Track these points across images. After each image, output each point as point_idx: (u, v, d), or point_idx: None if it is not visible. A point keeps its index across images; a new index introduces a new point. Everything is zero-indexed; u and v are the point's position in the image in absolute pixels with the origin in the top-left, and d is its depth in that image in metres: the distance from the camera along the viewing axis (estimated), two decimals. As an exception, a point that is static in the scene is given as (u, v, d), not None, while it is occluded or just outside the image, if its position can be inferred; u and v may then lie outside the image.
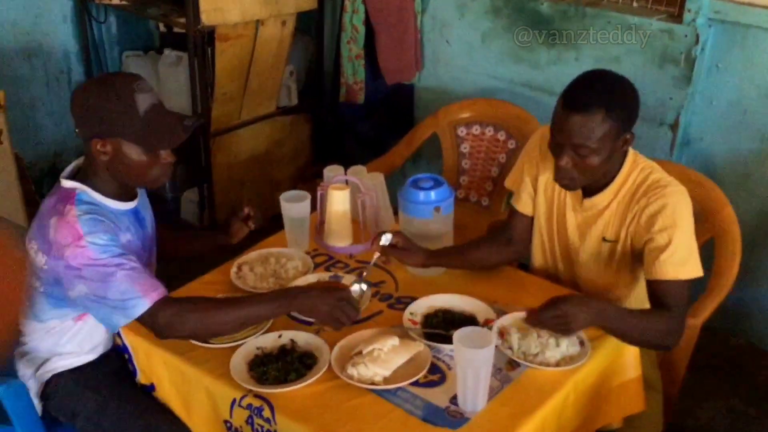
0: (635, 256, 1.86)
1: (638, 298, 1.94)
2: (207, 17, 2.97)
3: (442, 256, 1.96)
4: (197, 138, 3.25)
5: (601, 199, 1.86)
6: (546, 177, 1.96)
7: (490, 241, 2.06)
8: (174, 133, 1.69)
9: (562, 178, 1.79)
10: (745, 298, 2.71)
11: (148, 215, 1.90)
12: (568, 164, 1.75)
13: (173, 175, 3.46)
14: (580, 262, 1.94)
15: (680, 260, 1.73)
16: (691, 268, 1.74)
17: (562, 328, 1.65)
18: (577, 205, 1.91)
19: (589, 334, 1.71)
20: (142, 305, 1.59)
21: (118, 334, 1.83)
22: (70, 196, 1.68)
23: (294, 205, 2.07)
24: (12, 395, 1.72)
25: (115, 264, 1.59)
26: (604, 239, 1.88)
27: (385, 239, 1.87)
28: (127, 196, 1.78)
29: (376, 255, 1.88)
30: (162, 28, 3.76)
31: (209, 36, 3.07)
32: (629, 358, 1.79)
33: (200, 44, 3.06)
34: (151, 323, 1.62)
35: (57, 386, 1.79)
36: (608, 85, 1.75)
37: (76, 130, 1.70)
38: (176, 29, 3.48)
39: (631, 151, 1.85)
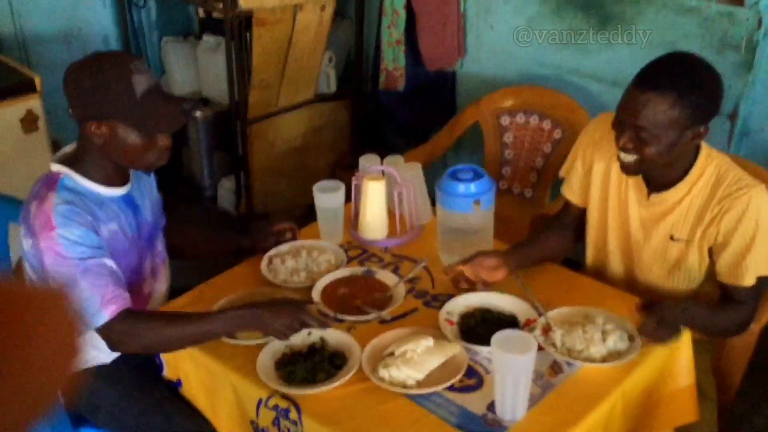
0: (706, 257, 1.76)
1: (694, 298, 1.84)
2: (245, 1, 2.90)
3: (522, 258, 1.82)
4: (234, 125, 3.20)
5: (672, 194, 1.74)
6: (601, 168, 1.85)
7: (555, 231, 1.97)
8: (172, 118, 1.64)
9: (621, 159, 1.69)
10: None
11: (148, 201, 1.83)
12: (628, 144, 1.64)
13: (209, 163, 3.50)
14: (643, 260, 1.83)
15: (761, 262, 1.67)
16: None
17: (669, 338, 1.61)
18: (642, 199, 1.79)
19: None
20: (100, 318, 1.56)
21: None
22: (54, 180, 1.63)
23: (327, 196, 2.00)
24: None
25: (81, 267, 1.55)
26: (672, 238, 1.77)
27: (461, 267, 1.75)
28: (118, 180, 1.72)
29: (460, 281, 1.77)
30: (201, 13, 3.71)
31: (247, 21, 3.01)
32: (683, 364, 1.67)
33: (237, 29, 3.00)
34: (105, 336, 1.59)
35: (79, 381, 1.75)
36: (689, 69, 1.61)
37: (69, 111, 1.63)
38: (215, 14, 3.42)
39: (704, 145, 1.72)
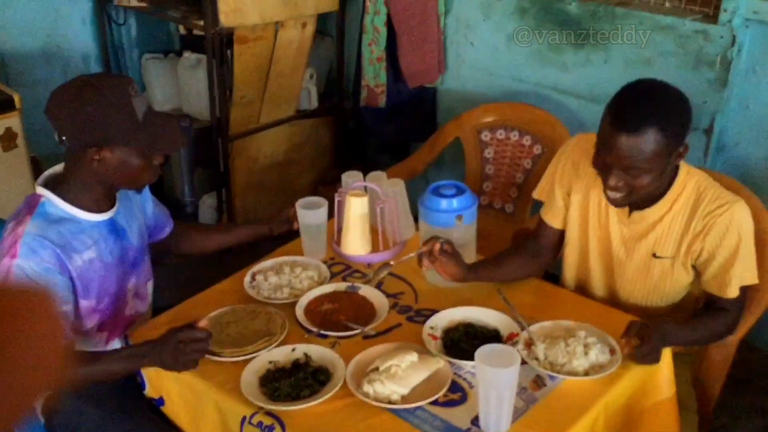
0: (690, 273, 1.80)
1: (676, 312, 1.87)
2: (226, 18, 2.91)
3: (479, 270, 1.85)
4: (215, 142, 3.20)
5: (652, 212, 1.76)
6: (580, 191, 1.86)
7: (520, 253, 1.97)
8: (176, 137, 1.64)
9: (611, 198, 1.70)
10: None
11: (135, 224, 1.82)
12: (619, 183, 1.65)
13: (190, 179, 3.50)
14: (625, 278, 1.85)
15: (744, 274, 1.73)
16: (752, 275, 1.75)
17: (652, 359, 1.62)
18: (624, 217, 1.80)
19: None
20: None
21: (128, 345, 1.77)
22: (34, 204, 1.62)
23: (310, 212, 2.00)
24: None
25: None
26: (654, 255, 1.79)
27: (438, 243, 1.76)
28: (105, 205, 1.71)
29: (420, 251, 1.76)
30: (182, 30, 3.72)
31: (228, 38, 3.02)
32: (663, 377, 1.68)
33: (219, 46, 3.00)
34: None
35: (59, 402, 1.73)
36: (660, 101, 1.63)
37: (63, 138, 1.58)
38: (196, 31, 3.43)
39: (683, 164, 1.75)
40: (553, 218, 1.93)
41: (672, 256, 1.77)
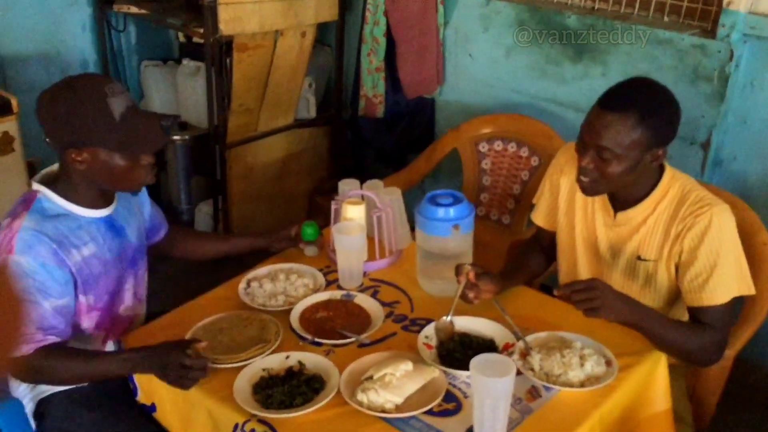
0: (673, 276, 1.77)
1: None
2: (225, 26, 2.91)
3: (511, 276, 1.90)
4: (213, 149, 3.19)
5: (636, 213, 1.76)
6: (566, 190, 1.90)
7: (536, 250, 2.05)
8: (154, 136, 1.62)
9: (581, 180, 1.72)
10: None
11: (134, 222, 1.81)
12: (589, 165, 1.68)
13: (187, 187, 3.49)
14: (613, 280, 1.84)
15: (728, 282, 1.67)
16: (740, 286, 1.69)
17: (590, 306, 1.56)
18: (608, 220, 1.81)
19: (619, 362, 1.60)
20: None
21: (127, 349, 1.75)
22: (30, 200, 1.62)
23: (347, 238, 1.89)
24: (7, 414, 1.65)
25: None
26: (639, 258, 1.78)
27: (471, 269, 1.73)
28: (101, 203, 1.70)
29: (461, 287, 1.74)
30: (182, 38, 3.72)
31: (227, 46, 3.02)
32: (659, 389, 1.68)
33: (218, 54, 3.00)
34: None
35: (51, 406, 1.72)
36: (650, 92, 1.68)
37: (47, 140, 1.59)
38: (195, 39, 3.44)
39: (668, 167, 1.77)
40: (541, 219, 2.00)
41: (655, 259, 1.77)
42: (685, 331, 1.69)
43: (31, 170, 2.92)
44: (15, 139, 2.78)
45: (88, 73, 3.39)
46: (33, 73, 3.39)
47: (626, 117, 1.62)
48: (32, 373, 1.60)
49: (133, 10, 3.39)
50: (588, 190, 1.74)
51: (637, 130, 1.62)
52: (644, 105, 1.63)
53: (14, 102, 2.78)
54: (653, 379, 1.66)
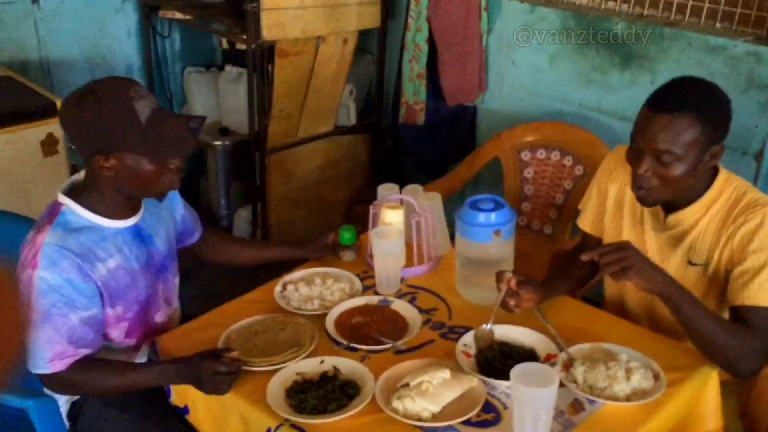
0: (723, 282, 1.68)
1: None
2: (268, 32, 2.91)
3: (555, 285, 1.82)
4: (253, 155, 3.19)
5: (687, 214, 1.69)
6: (615, 195, 1.83)
7: (580, 261, 1.92)
8: (183, 139, 1.58)
9: (639, 188, 1.64)
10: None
11: (162, 230, 1.78)
12: (648, 172, 1.60)
13: (227, 192, 3.50)
14: None
15: None
16: None
17: (621, 266, 1.50)
18: (657, 224, 1.74)
19: (667, 377, 1.53)
20: (42, 368, 1.56)
21: (155, 351, 1.74)
22: (55, 213, 1.59)
23: (385, 242, 1.85)
24: (42, 412, 1.64)
25: (44, 315, 1.53)
26: (690, 262, 1.71)
27: (513, 277, 1.68)
28: (128, 212, 1.67)
29: (502, 295, 1.69)
30: (224, 44, 3.75)
31: (270, 52, 3.02)
32: (710, 406, 1.60)
33: (260, 60, 3.00)
34: (44, 381, 1.61)
35: (85, 407, 1.71)
36: (701, 89, 1.61)
37: (72, 147, 1.57)
38: (238, 46, 3.45)
39: (723, 169, 1.70)
40: (588, 225, 1.93)
41: (706, 263, 1.69)
42: (721, 324, 1.57)
43: (75, 173, 2.94)
44: (59, 141, 2.81)
45: (112, 76, 3.42)
46: (79, 77, 3.44)
47: (682, 116, 1.55)
48: (68, 387, 1.63)
49: (178, 15, 3.43)
50: (646, 200, 1.66)
51: (696, 128, 1.56)
52: (698, 101, 1.57)
53: (59, 104, 2.81)
54: (704, 395, 1.59)
